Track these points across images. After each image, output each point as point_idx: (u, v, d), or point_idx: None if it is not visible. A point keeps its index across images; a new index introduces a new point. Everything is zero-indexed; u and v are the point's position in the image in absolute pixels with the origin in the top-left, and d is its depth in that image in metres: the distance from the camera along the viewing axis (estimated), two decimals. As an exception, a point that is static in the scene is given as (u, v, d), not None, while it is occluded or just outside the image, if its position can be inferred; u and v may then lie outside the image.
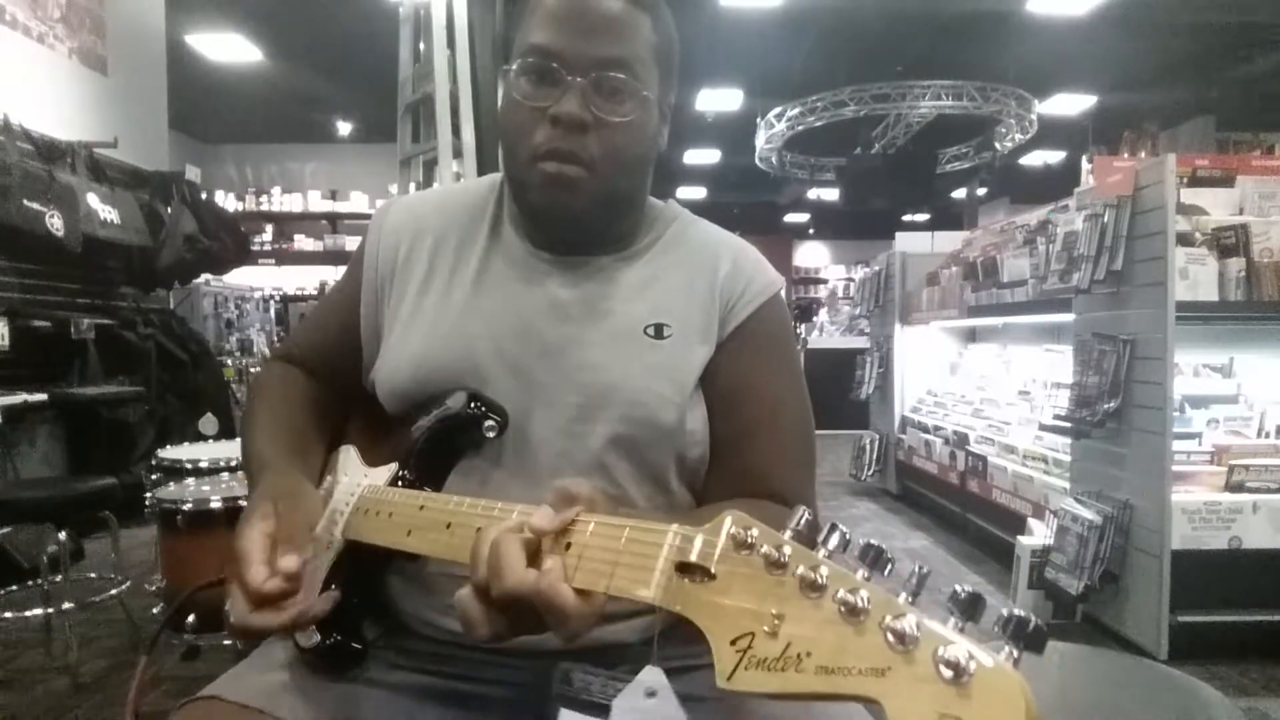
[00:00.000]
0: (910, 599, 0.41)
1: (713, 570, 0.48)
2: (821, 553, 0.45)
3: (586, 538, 0.57)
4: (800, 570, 0.44)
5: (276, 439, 0.87)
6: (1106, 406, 2.62)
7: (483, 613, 0.59)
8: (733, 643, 0.44)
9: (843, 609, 0.41)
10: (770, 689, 0.42)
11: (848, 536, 0.45)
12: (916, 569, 0.42)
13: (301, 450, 0.88)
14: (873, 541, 0.44)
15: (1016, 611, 0.39)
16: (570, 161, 0.80)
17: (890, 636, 0.39)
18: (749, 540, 0.47)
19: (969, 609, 0.40)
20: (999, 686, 0.36)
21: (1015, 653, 0.37)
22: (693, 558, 0.49)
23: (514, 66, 0.82)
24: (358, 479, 0.88)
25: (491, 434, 0.81)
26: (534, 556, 0.59)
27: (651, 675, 0.56)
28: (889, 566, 0.44)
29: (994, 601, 3.06)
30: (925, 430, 4.56)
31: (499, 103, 0.86)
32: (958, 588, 0.40)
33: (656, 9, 0.85)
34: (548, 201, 0.83)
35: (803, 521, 0.48)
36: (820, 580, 0.43)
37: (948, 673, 0.37)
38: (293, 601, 0.70)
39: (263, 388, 0.97)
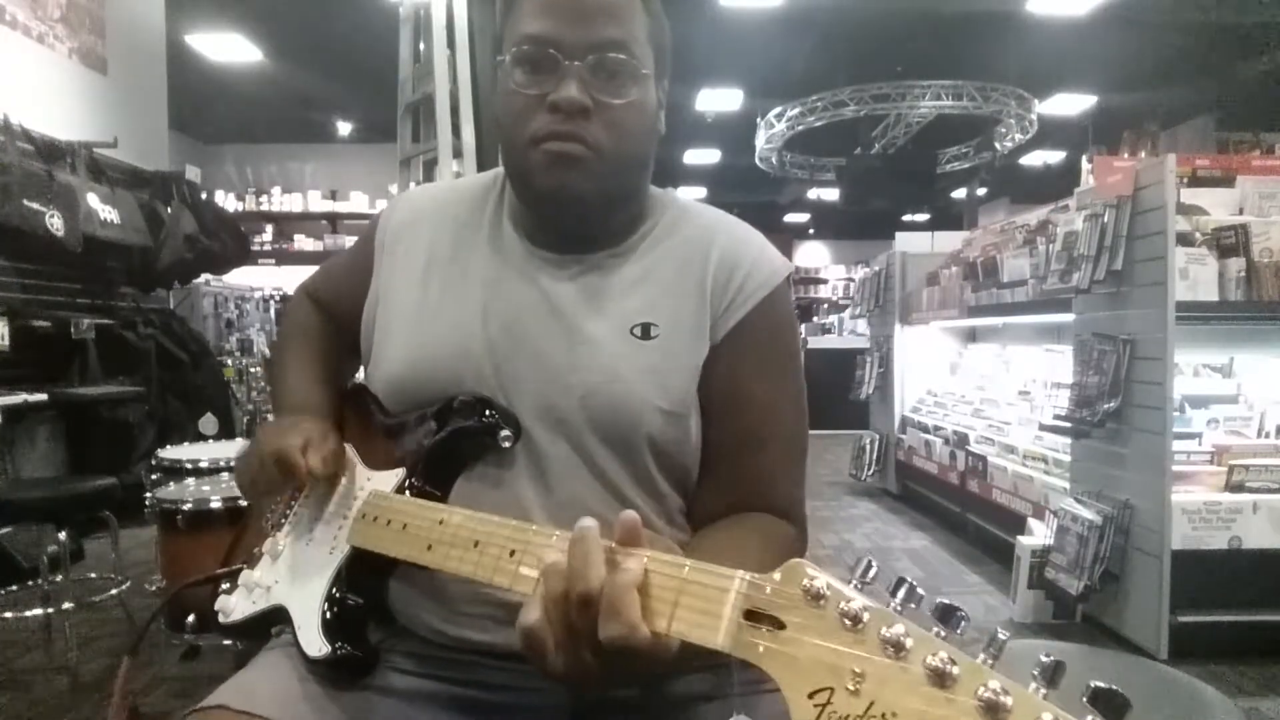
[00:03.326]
0: (991, 663, 0.41)
1: (784, 620, 0.47)
2: (892, 605, 0.45)
3: (649, 581, 0.55)
4: (882, 630, 0.43)
5: (306, 374, 0.98)
6: (1106, 406, 2.62)
7: (551, 635, 0.57)
8: (810, 696, 0.44)
9: (930, 674, 0.41)
10: None
11: (918, 590, 0.45)
12: (996, 633, 0.42)
13: (325, 400, 0.97)
14: (945, 600, 0.44)
15: (1099, 683, 0.39)
16: (573, 140, 0.78)
17: (982, 706, 0.39)
18: (821, 591, 0.46)
19: (1051, 675, 0.40)
20: None
21: None
22: (766, 608, 0.48)
23: (508, 56, 0.81)
24: (360, 482, 0.86)
25: (507, 444, 0.80)
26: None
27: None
28: (962, 625, 0.43)
29: (995, 602, 3.06)
30: (925, 430, 4.56)
31: (497, 95, 0.85)
32: (1042, 656, 0.40)
33: None
34: (553, 183, 0.80)
35: (870, 573, 0.47)
36: (904, 642, 0.42)
37: None
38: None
39: (294, 325, 1.06)
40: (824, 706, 0.43)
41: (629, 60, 0.79)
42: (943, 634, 0.43)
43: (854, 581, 0.47)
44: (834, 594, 0.46)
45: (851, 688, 0.43)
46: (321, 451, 0.83)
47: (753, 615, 0.49)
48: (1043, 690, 0.39)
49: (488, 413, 0.81)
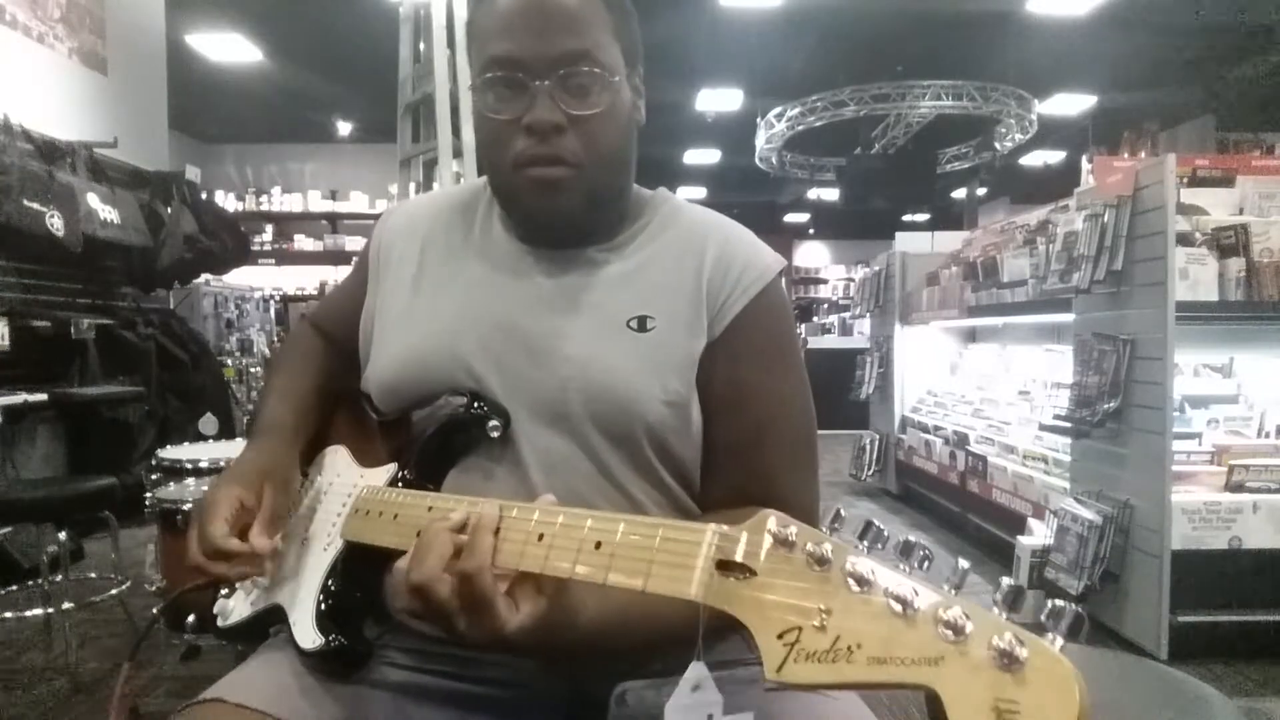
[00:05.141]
0: (954, 591, 0.43)
1: (755, 568, 0.49)
2: (860, 547, 0.47)
3: (618, 537, 0.58)
4: (845, 566, 0.45)
5: (286, 400, 0.96)
6: (1106, 406, 2.62)
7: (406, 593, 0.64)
8: (779, 637, 0.46)
9: (893, 602, 0.43)
10: (821, 680, 0.44)
11: (885, 532, 0.47)
12: (957, 564, 0.44)
13: (306, 417, 0.97)
14: (910, 538, 0.46)
15: (1057, 602, 0.41)
16: (553, 164, 0.80)
17: (942, 627, 0.40)
18: (790, 538, 0.48)
19: (1012, 600, 0.42)
20: (1052, 672, 0.38)
21: (1060, 640, 0.39)
22: (737, 556, 0.50)
23: (478, 82, 0.82)
24: (353, 479, 0.87)
25: (495, 434, 0.81)
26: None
27: (695, 671, 0.58)
28: (927, 562, 0.45)
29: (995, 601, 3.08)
30: (925, 430, 4.56)
31: (474, 117, 0.86)
32: (1005, 580, 0.42)
33: None
34: (538, 206, 0.83)
35: (839, 521, 0.49)
36: (868, 577, 0.44)
37: (1002, 660, 0.38)
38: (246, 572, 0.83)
39: (289, 347, 1.07)
40: (793, 645, 0.45)
41: (596, 71, 0.80)
42: (907, 569, 0.45)
43: (824, 528, 0.49)
44: (802, 539, 0.48)
45: (818, 624, 0.45)
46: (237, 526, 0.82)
47: (726, 566, 0.51)
48: (1004, 614, 0.41)
49: (475, 404, 0.82)
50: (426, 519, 0.72)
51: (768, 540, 0.49)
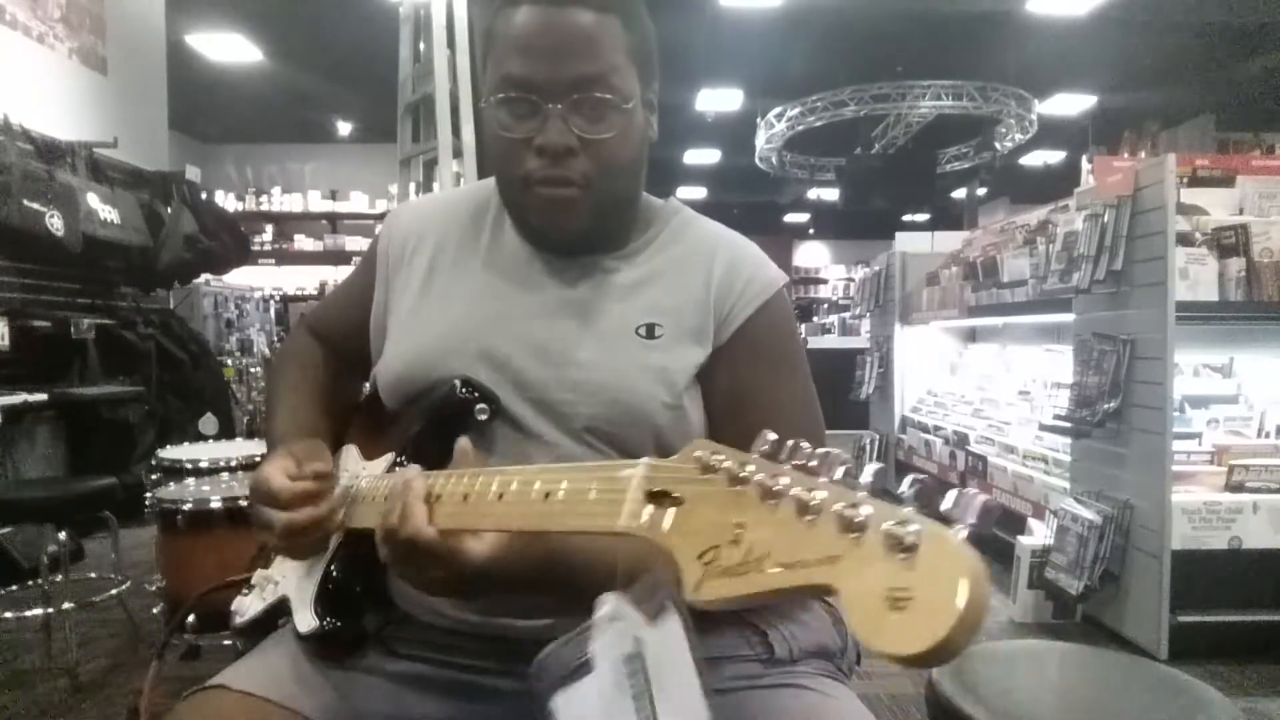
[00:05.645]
0: (867, 494, 0.42)
1: (681, 495, 0.50)
2: (784, 464, 0.46)
3: (563, 486, 0.60)
4: (759, 479, 0.45)
5: (296, 411, 0.96)
6: (1106, 406, 2.62)
7: (390, 553, 0.70)
8: (699, 557, 0.46)
9: (798, 506, 0.42)
10: (734, 593, 0.43)
11: (807, 448, 0.46)
12: (874, 470, 0.42)
13: (315, 424, 0.96)
14: (833, 450, 0.45)
15: (967, 490, 0.39)
16: (564, 185, 0.81)
17: (840, 525, 0.40)
18: (715, 464, 0.49)
19: (925, 494, 0.41)
20: (944, 555, 0.36)
21: (966, 530, 0.38)
22: (663, 486, 0.51)
23: (491, 100, 0.82)
24: (357, 472, 0.89)
25: (483, 417, 0.82)
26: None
27: (609, 605, 0.58)
28: (852, 472, 0.44)
29: (994, 602, 3.07)
30: (925, 430, 4.56)
31: (486, 132, 0.86)
32: (915, 476, 0.42)
33: (623, 4, 0.83)
34: (547, 223, 0.84)
35: (769, 441, 0.49)
36: (778, 486, 0.44)
37: (894, 549, 0.37)
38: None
39: (288, 358, 1.06)
40: (710, 564, 0.45)
41: (609, 97, 0.80)
42: (827, 479, 0.44)
43: (754, 451, 0.48)
44: (724, 462, 0.48)
45: (732, 539, 0.45)
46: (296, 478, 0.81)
47: (656, 497, 0.51)
48: (916, 508, 0.40)
49: (463, 389, 0.83)
50: None
51: (693, 467, 0.50)
